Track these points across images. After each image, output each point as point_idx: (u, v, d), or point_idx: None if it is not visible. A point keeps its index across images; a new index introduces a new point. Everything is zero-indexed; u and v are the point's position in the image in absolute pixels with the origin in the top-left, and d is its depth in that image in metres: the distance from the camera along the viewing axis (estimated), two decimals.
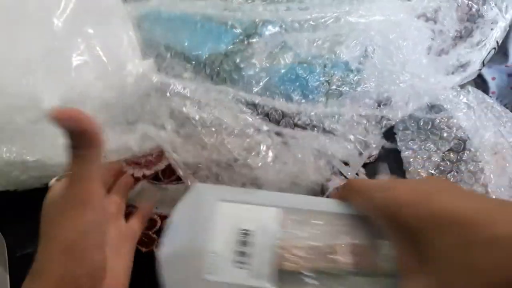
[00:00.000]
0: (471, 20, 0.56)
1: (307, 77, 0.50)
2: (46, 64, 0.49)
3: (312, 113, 0.50)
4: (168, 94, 0.50)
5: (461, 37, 0.57)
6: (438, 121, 0.54)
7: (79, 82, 0.50)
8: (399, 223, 0.29)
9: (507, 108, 0.59)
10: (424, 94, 0.50)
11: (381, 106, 0.52)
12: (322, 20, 0.50)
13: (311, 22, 0.50)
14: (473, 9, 0.56)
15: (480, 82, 0.63)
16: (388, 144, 0.53)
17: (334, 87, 0.52)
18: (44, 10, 0.52)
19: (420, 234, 0.26)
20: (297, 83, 0.51)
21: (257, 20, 0.50)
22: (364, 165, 0.54)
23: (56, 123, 0.29)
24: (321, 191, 0.51)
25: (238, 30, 0.52)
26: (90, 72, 0.51)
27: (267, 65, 0.50)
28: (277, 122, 0.51)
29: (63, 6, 0.53)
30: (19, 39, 0.50)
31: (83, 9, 0.53)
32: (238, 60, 0.51)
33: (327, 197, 0.51)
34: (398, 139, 0.56)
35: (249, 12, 0.51)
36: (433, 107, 0.55)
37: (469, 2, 0.56)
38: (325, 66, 0.51)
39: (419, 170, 0.53)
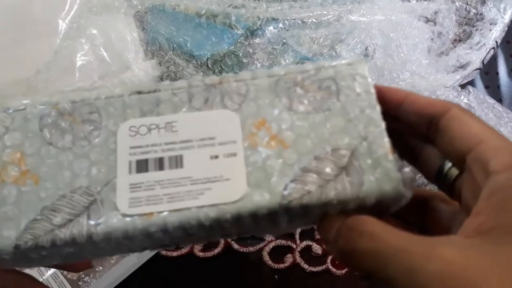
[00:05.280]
0: (470, 24, 0.57)
1: None
2: (51, 64, 0.50)
3: None
4: None
5: (460, 40, 0.57)
6: None
7: (83, 82, 0.51)
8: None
9: None
10: (424, 91, 0.50)
11: None
12: (324, 18, 0.50)
13: (313, 20, 0.50)
14: (471, 13, 0.57)
15: None
16: None
17: None
18: (49, 11, 0.53)
19: None
20: None
21: (260, 16, 0.51)
22: None
23: None
24: None
25: (240, 31, 0.53)
26: (94, 72, 0.52)
27: (269, 61, 0.51)
28: None
29: (68, 7, 0.53)
30: (25, 40, 0.51)
31: (88, 10, 0.54)
32: (240, 55, 0.51)
33: None
34: None
35: (253, 9, 0.52)
36: None
37: (467, 6, 0.57)
38: None
39: None
